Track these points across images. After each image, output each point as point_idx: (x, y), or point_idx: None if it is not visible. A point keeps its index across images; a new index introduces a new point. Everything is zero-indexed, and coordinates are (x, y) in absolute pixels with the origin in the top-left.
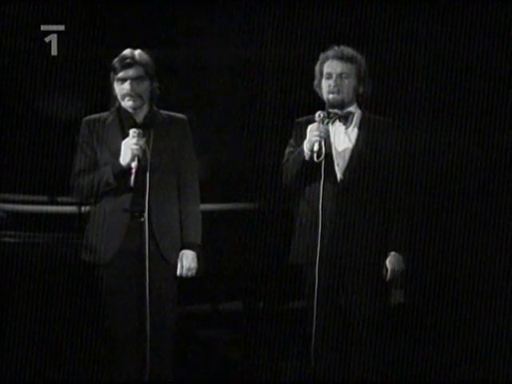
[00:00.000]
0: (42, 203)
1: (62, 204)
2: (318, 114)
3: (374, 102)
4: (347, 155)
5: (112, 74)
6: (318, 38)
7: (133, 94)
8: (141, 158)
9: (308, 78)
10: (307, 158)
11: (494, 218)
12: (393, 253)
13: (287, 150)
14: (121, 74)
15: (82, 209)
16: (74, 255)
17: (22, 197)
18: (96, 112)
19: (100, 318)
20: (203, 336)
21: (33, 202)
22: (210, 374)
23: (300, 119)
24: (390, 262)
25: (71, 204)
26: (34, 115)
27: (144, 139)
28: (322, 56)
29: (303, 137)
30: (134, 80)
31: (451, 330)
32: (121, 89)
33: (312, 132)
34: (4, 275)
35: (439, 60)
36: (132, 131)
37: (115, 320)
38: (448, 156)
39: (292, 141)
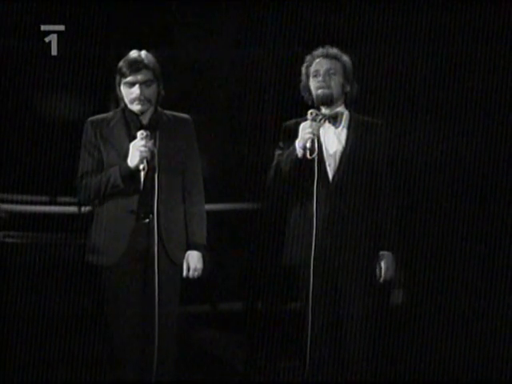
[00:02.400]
0: (43, 203)
1: (63, 204)
2: (310, 112)
3: (366, 103)
4: (338, 156)
5: (118, 77)
6: (318, 38)
7: (142, 99)
8: (149, 159)
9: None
10: (300, 155)
11: (490, 217)
12: (385, 252)
13: (276, 153)
14: (129, 79)
15: (83, 209)
16: (74, 256)
17: (22, 197)
18: (96, 112)
19: (104, 319)
20: (202, 336)
21: (33, 203)
22: (208, 375)
23: (288, 122)
24: (383, 261)
25: (72, 204)
26: (34, 115)
27: (152, 141)
28: (308, 58)
29: (292, 139)
30: (143, 84)
31: (449, 329)
32: (129, 93)
33: (304, 130)
34: (5, 276)
35: (431, 60)
36: (140, 133)
37: (120, 321)
38: (440, 155)
39: (281, 143)
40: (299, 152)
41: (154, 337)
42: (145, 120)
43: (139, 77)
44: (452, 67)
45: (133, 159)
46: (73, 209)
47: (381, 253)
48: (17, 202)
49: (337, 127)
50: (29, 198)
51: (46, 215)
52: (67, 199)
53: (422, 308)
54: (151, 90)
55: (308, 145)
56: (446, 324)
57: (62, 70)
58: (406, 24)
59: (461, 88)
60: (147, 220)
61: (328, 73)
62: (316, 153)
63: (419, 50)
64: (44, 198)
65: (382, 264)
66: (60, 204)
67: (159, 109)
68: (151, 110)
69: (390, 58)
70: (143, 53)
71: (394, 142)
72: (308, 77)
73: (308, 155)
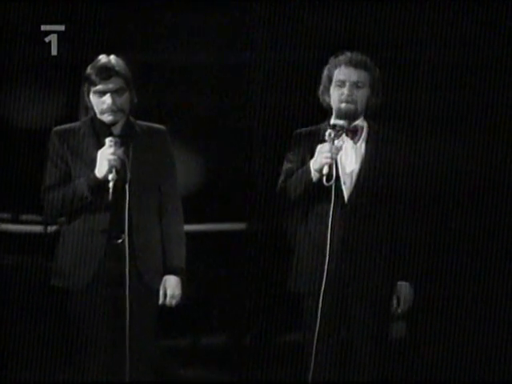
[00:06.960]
0: (4, 221)
1: (26, 223)
2: (329, 133)
3: (383, 112)
4: (355, 174)
5: (87, 85)
6: (313, 42)
7: (114, 109)
8: (119, 169)
9: (302, 85)
10: (315, 179)
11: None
12: (403, 282)
13: (286, 166)
14: (100, 87)
15: (49, 228)
16: (40, 279)
17: None
18: None
19: (72, 349)
20: (183, 375)
21: None
22: None
23: (300, 130)
24: (402, 292)
25: (36, 223)
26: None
27: (122, 149)
28: (332, 60)
29: (304, 150)
30: (115, 93)
31: (457, 358)
32: (100, 102)
33: (322, 153)
34: None
35: (449, 69)
36: (108, 140)
37: (89, 352)
38: (461, 172)
39: (291, 155)
40: (314, 176)
41: (125, 370)
42: (116, 131)
43: (110, 85)
44: (465, 76)
45: (101, 168)
46: (37, 228)
47: (399, 283)
48: None
49: (355, 142)
50: None
51: (7, 234)
52: (31, 217)
53: (426, 339)
54: (124, 99)
55: (325, 171)
56: (452, 353)
57: (62, 70)
58: (416, 29)
59: (486, 98)
60: (120, 240)
61: (356, 85)
62: (333, 180)
63: (426, 57)
64: (6, 216)
65: (401, 295)
66: (23, 223)
67: (131, 119)
68: (123, 119)
69: (407, 65)
70: (113, 58)
71: (414, 156)
72: (330, 82)
73: (325, 181)
